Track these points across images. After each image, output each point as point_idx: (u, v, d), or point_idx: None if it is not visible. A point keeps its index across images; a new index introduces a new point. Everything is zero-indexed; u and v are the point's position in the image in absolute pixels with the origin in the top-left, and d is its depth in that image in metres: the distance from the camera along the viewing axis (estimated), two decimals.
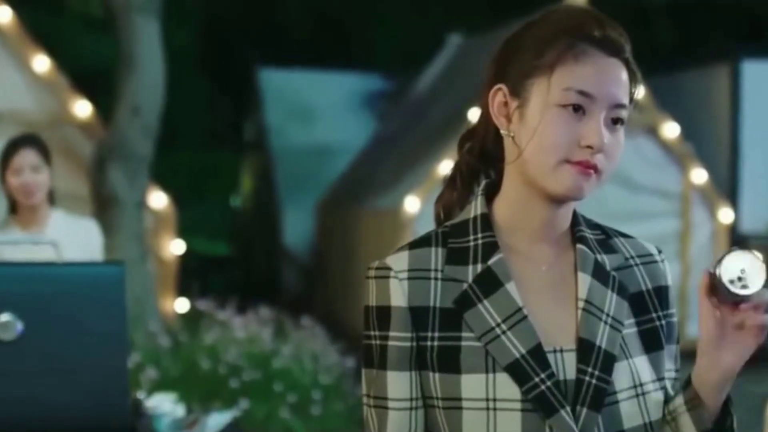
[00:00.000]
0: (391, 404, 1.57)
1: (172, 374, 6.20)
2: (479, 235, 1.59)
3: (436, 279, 1.56)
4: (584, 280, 1.60)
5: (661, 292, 1.69)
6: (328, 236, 12.87)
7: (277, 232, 14.61)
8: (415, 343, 1.55)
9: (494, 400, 1.52)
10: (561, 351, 1.56)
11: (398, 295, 1.55)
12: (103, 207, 7.55)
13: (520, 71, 1.57)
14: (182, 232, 9.12)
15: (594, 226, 1.70)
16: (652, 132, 10.60)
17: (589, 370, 1.54)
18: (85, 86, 8.86)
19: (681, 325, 10.70)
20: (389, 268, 1.57)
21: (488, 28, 12.71)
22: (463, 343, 1.54)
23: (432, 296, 1.56)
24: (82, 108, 8.45)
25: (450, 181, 1.71)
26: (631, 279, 1.65)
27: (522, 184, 1.59)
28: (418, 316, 1.55)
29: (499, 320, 1.54)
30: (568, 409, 1.52)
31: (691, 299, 10.78)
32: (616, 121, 1.56)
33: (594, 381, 1.54)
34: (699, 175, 10.70)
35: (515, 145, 1.57)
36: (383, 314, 1.56)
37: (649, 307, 1.66)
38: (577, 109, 1.53)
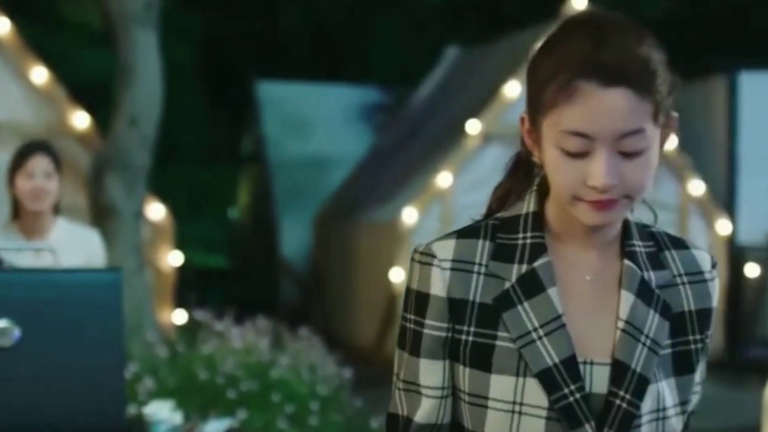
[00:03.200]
0: (423, 391, 1.57)
1: (169, 384, 6.19)
2: (528, 234, 1.57)
3: (479, 273, 1.55)
4: (627, 299, 1.56)
5: (702, 315, 1.63)
6: (325, 248, 12.87)
7: (275, 244, 14.61)
8: (450, 334, 1.55)
9: (521, 404, 1.51)
10: (592, 363, 1.54)
11: (439, 284, 1.55)
12: (101, 218, 7.55)
13: (532, 106, 1.55)
14: (180, 246, 9.13)
15: (648, 235, 1.64)
16: None
17: (621, 393, 1.52)
18: (83, 98, 8.89)
19: None
20: (434, 255, 1.56)
21: (485, 40, 12.75)
22: (498, 342, 1.53)
23: (473, 290, 1.55)
24: (81, 119, 8.47)
25: (510, 169, 1.68)
26: (676, 298, 1.60)
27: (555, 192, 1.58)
28: (456, 307, 1.54)
29: (536, 325, 1.52)
30: (593, 424, 1.51)
31: None
32: (632, 151, 1.48)
33: (624, 405, 1.52)
34: (696, 187, 10.71)
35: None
36: (422, 300, 1.56)
37: (688, 329, 1.61)
38: (578, 152, 1.48)
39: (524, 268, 1.55)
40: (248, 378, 6.40)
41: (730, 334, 10.80)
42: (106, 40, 8.23)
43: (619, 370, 1.52)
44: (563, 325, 1.52)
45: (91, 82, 13.18)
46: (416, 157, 11.14)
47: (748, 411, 8.95)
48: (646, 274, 1.58)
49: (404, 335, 1.59)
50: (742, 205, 11.02)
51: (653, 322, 1.56)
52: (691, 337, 1.61)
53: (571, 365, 1.51)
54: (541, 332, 1.51)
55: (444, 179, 9.84)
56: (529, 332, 1.52)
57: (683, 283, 1.62)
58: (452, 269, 1.55)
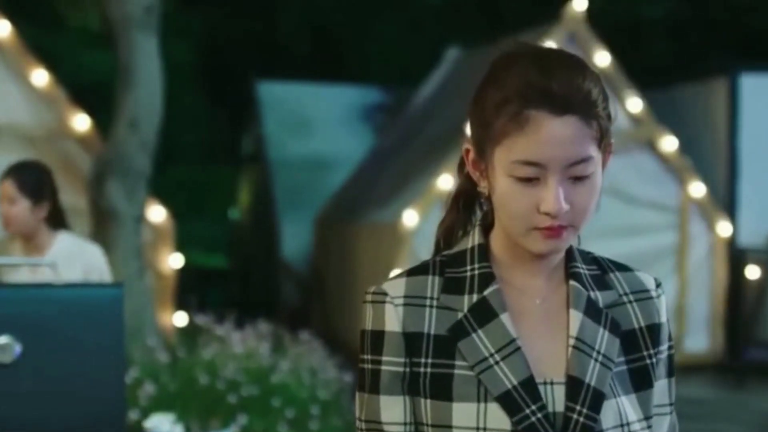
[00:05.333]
0: (386, 428, 1.57)
1: (170, 390, 6.19)
2: (476, 266, 1.60)
3: (431, 306, 1.58)
4: (576, 318, 1.60)
5: (653, 330, 1.67)
6: (326, 250, 12.86)
7: (275, 245, 14.61)
8: (408, 369, 1.57)
9: (485, 429, 1.53)
10: (552, 383, 1.57)
11: (393, 321, 1.57)
12: (102, 222, 7.55)
13: (478, 138, 1.57)
14: (181, 246, 9.14)
15: (591, 260, 1.69)
16: (650, 146, 10.61)
17: (578, 407, 1.55)
18: (83, 100, 8.89)
19: (679, 340, 10.71)
20: (385, 293, 1.58)
21: (486, 41, 12.73)
22: (456, 371, 1.55)
23: (427, 323, 1.57)
24: (81, 122, 8.47)
25: (451, 205, 1.71)
26: (624, 316, 1.64)
27: (501, 225, 1.61)
28: (411, 341, 1.56)
29: (492, 350, 1.54)
30: None
31: (688, 314, 10.78)
32: (580, 176, 1.53)
33: (582, 419, 1.54)
34: (697, 189, 10.71)
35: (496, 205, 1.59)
36: (377, 339, 1.58)
37: (641, 345, 1.65)
38: (531, 178, 1.51)
39: (475, 297, 1.58)
40: (249, 383, 6.40)
41: (730, 336, 10.80)
42: (107, 43, 8.22)
43: (573, 385, 1.55)
44: (518, 348, 1.55)
45: (91, 83, 13.18)
46: (417, 159, 11.13)
47: (748, 413, 8.96)
48: (592, 294, 1.63)
49: (363, 377, 1.60)
50: (742, 207, 11.01)
51: (603, 338, 1.59)
52: (645, 353, 1.65)
53: (530, 386, 1.54)
54: (497, 357, 1.54)
55: (445, 181, 9.82)
56: (485, 358, 1.54)
57: (630, 302, 1.66)
58: (405, 305, 1.57)
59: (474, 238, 1.64)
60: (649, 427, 1.64)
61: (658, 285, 1.71)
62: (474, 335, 1.55)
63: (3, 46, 8.37)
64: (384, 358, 1.57)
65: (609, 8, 14.11)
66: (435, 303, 1.58)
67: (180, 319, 8.75)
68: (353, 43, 18.97)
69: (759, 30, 15.85)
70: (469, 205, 1.70)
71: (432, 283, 1.60)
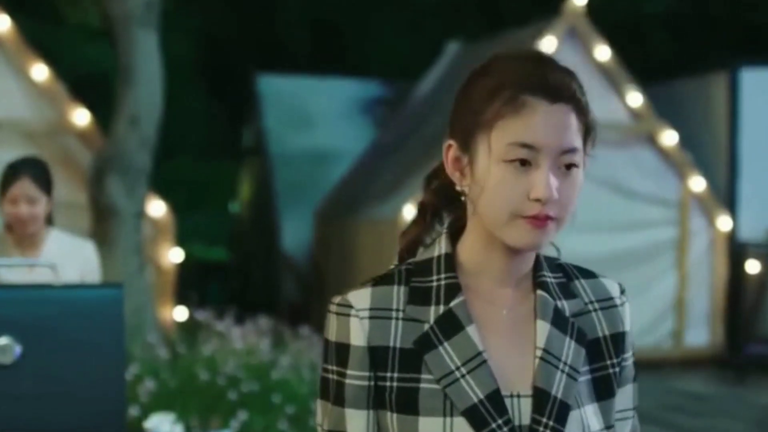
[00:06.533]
0: None
1: (170, 386, 6.19)
2: (442, 276, 1.59)
3: (397, 319, 1.56)
4: (543, 328, 1.59)
5: (617, 339, 1.67)
6: (326, 245, 12.86)
7: (276, 238, 14.60)
8: (373, 383, 1.55)
9: None
10: (518, 396, 1.56)
11: (358, 334, 1.55)
12: (102, 218, 7.55)
13: (466, 128, 1.57)
14: (181, 240, 9.14)
15: (557, 267, 1.68)
16: (651, 140, 10.61)
17: (544, 420, 1.54)
18: (83, 94, 8.88)
19: (679, 335, 10.72)
20: (350, 306, 1.57)
21: (486, 35, 12.73)
22: (422, 384, 1.54)
23: (392, 336, 1.55)
24: (81, 117, 8.46)
25: (417, 218, 1.69)
26: (589, 325, 1.64)
27: (483, 231, 1.58)
28: (377, 355, 1.55)
29: (458, 363, 1.53)
30: None
31: (688, 308, 10.78)
32: (568, 166, 1.54)
33: (548, 431, 1.54)
34: (697, 183, 10.71)
35: (470, 199, 1.58)
36: (342, 351, 1.56)
37: (605, 355, 1.65)
38: (524, 162, 1.52)
39: (441, 309, 1.56)
40: (249, 379, 6.41)
41: (730, 332, 10.81)
42: (108, 39, 8.21)
43: (540, 398, 1.55)
44: (485, 361, 1.54)
45: (91, 79, 13.18)
46: (417, 154, 11.12)
47: (748, 407, 8.96)
48: (559, 303, 1.62)
49: (327, 386, 1.59)
50: (742, 202, 11.01)
51: (570, 348, 1.59)
52: (608, 362, 1.65)
53: (496, 400, 1.53)
54: (463, 370, 1.53)
55: None
56: (452, 371, 1.53)
57: (595, 310, 1.66)
58: (370, 317, 1.55)
59: (441, 247, 1.62)
60: None
61: (622, 291, 1.72)
62: (440, 348, 1.54)
63: (3, 41, 8.37)
64: (349, 372, 1.56)
65: (609, 3, 14.09)
66: (401, 315, 1.56)
67: (180, 313, 8.76)
68: (353, 37, 18.96)
69: (759, 25, 15.83)
70: (433, 219, 1.68)
71: (397, 294, 1.58)
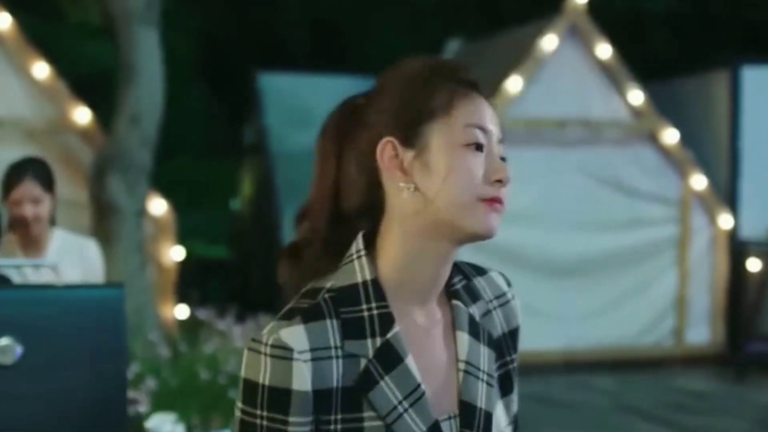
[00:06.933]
0: None
1: (171, 385, 6.19)
2: (373, 305, 1.51)
3: (337, 357, 1.47)
4: (463, 339, 1.58)
5: (514, 335, 1.68)
6: None
7: (277, 236, 14.60)
8: (314, 427, 1.46)
9: None
10: (455, 417, 1.55)
11: (302, 379, 1.44)
12: (103, 216, 7.55)
13: (410, 119, 1.52)
14: (182, 238, 9.14)
15: (456, 270, 1.65)
16: (652, 138, 10.60)
17: None
18: (84, 93, 8.87)
19: (680, 333, 10.72)
20: (289, 348, 1.45)
21: (486, 33, 12.71)
22: (366, 423, 1.48)
23: (335, 377, 1.46)
24: (82, 115, 8.46)
25: (317, 252, 1.58)
26: (493, 324, 1.64)
27: (414, 237, 1.53)
28: (321, 398, 1.46)
29: (400, 398, 1.49)
30: None
31: (689, 306, 10.78)
32: (502, 159, 1.55)
33: None
34: (699, 181, 10.70)
35: (417, 195, 1.51)
36: (280, 397, 1.45)
37: (504, 351, 1.66)
38: (479, 146, 1.51)
39: (378, 341, 1.49)
40: None
41: (731, 329, 10.80)
42: (108, 36, 8.20)
43: (467, 412, 1.54)
44: (423, 393, 1.50)
45: (92, 77, 13.17)
46: None
47: (749, 406, 8.96)
48: (471, 309, 1.61)
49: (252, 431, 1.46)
50: (744, 200, 11.00)
51: (485, 355, 1.59)
52: (508, 358, 1.66)
53: (436, 431, 1.51)
54: (405, 404, 1.49)
55: None
56: (395, 407, 1.48)
57: (495, 308, 1.66)
58: (313, 359, 1.45)
59: (363, 272, 1.53)
60: (515, 429, 1.66)
61: (509, 284, 1.71)
62: (382, 383, 1.48)
63: (4, 39, 8.36)
64: (291, 419, 1.44)
65: (611, 1, 14.08)
66: (340, 353, 1.47)
67: (181, 312, 8.76)
68: (353, 37, 18.96)
69: (760, 23, 15.82)
70: (325, 245, 1.57)
71: (332, 329, 1.48)
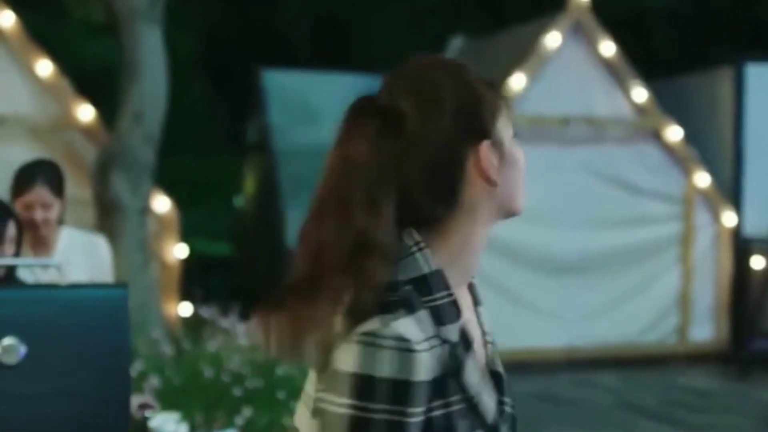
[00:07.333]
0: None
1: (174, 383, 6.20)
2: (444, 293, 1.56)
3: (439, 345, 1.52)
4: (483, 314, 1.71)
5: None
6: None
7: (280, 234, 14.60)
8: (424, 417, 1.49)
9: None
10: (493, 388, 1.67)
11: (424, 370, 1.47)
12: (106, 214, 7.55)
13: (490, 117, 1.62)
14: (185, 235, 9.14)
15: None
16: (655, 136, 10.59)
17: (507, 400, 1.66)
18: (88, 90, 8.87)
19: (684, 330, 10.71)
20: (408, 340, 1.46)
21: (488, 31, 12.71)
22: (454, 408, 1.54)
23: (440, 364, 1.51)
24: (85, 112, 8.46)
25: (375, 263, 1.52)
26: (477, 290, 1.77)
27: (479, 225, 1.63)
28: (435, 386, 1.50)
29: (479, 378, 1.59)
30: None
31: (693, 304, 10.77)
32: None
33: (510, 410, 1.66)
34: (702, 179, 10.69)
35: (497, 188, 1.62)
36: (403, 389, 1.45)
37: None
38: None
39: (457, 326, 1.57)
40: (254, 376, 6.41)
41: (735, 327, 10.80)
42: (112, 34, 8.20)
43: (498, 380, 1.65)
44: (487, 371, 1.64)
45: (96, 74, 13.17)
46: None
47: (752, 403, 8.96)
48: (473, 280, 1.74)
49: (372, 428, 1.44)
50: (747, 197, 10.99)
51: (486, 319, 1.73)
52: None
53: (498, 408, 1.63)
54: (482, 384, 1.59)
55: None
56: (476, 387, 1.58)
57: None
58: (430, 349, 1.49)
59: (428, 263, 1.57)
60: None
61: None
62: (468, 366, 1.56)
63: (7, 37, 8.36)
64: (410, 410, 1.45)
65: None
66: (438, 341, 1.52)
67: (185, 309, 8.76)
68: (355, 35, 18.96)
69: (764, 20, 15.80)
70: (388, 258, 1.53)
71: (428, 318, 1.52)
